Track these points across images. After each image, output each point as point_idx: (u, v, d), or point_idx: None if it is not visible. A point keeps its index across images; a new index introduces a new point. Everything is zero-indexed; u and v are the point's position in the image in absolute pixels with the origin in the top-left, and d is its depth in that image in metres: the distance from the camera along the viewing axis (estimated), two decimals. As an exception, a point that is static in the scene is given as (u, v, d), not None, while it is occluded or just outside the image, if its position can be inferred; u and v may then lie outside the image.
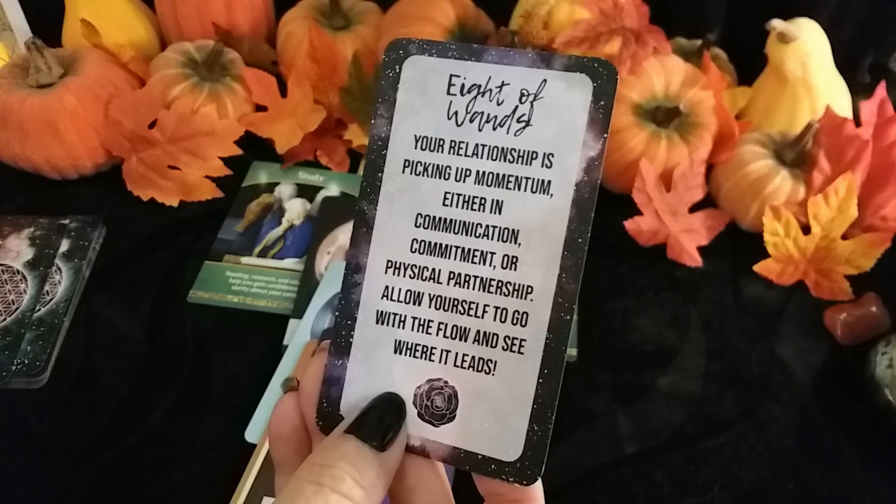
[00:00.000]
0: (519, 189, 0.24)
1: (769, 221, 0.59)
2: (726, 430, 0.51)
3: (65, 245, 0.59)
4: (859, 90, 0.68)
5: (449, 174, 0.25)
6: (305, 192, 0.66)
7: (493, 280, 0.24)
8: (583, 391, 0.52)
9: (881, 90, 0.63)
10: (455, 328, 0.25)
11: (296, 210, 0.64)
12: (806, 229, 0.59)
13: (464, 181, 0.25)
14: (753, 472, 0.48)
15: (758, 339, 0.56)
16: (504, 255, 0.24)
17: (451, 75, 0.25)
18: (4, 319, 0.54)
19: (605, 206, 0.63)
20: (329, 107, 0.69)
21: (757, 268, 0.60)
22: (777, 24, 0.61)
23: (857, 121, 0.62)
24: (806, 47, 0.63)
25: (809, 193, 0.59)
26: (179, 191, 0.64)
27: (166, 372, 0.53)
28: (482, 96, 0.25)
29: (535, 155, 0.24)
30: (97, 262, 0.60)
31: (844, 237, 0.59)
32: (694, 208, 0.63)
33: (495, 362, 0.24)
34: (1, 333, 0.53)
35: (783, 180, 0.60)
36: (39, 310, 0.55)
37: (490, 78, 0.25)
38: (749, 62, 0.70)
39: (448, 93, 0.25)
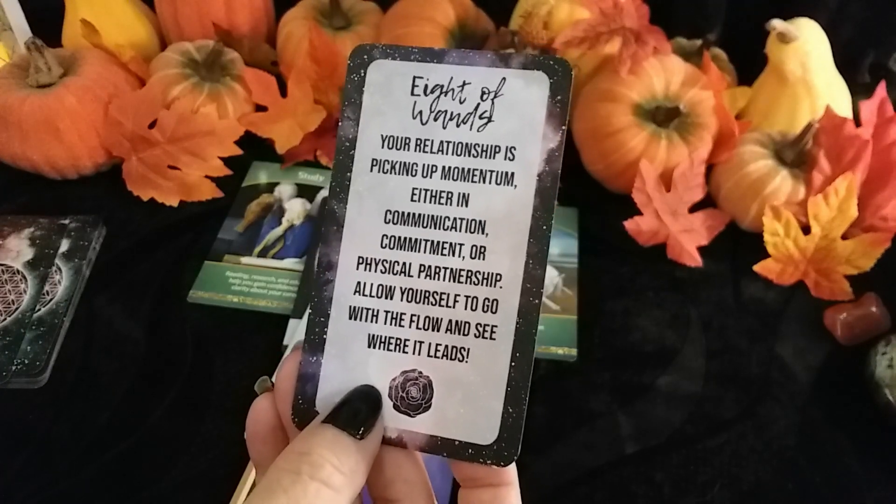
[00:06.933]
0: (484, 182, 0.25)
1: (769, 221, 0.59)
2: (726, 430, 0.51)
3: (65, 245, 0.59)
4: (859, 90, 0.68)
5: (416, 171, 0.26)
6: (305, 192, 0.66)
7: (463, 270, 0.25)
8: (583, 391, 0.52)
9: (881, 90, 0.63)
10: (427, 319, 0.25)
11: (296, 210, 0.64)
12: (806, 229, 0.59)
13: (430, 177, 0.26)
14: (753, 472, 0.49)
15: (758, 339, 0.56)
16: (472, 246, 0.25)
17: (414, 77, 0.26)
18: (4, 319, 0.54)
19: (605, 206, 0.64)
20: (329, 107, 0.69)
21: (757, 268, 0.60)
22: (777, 24, 0.61)
23: (857, 121, 0.62)
24: (806, 47, 0.63)
25: (809, 193, 0.59)
26: (179, 191, 0.64)
27: (166, 372, 0.53)
28: (445, 96, 0.26)
29: (497, 149, 0.25)
30: (97, 262, 0.60)
31: (844, 237, 0.59)
32: (694, 208, 0.63)
33: (468, 349, 0.25)
34: (1, 333, 0.53)
35: (783, 180, 0.60)
36: (39, 310, 0.55)
37: (452, 78, 0.26)
38: (749, 62, 0.70)
39: (412, 94, 0.26)
